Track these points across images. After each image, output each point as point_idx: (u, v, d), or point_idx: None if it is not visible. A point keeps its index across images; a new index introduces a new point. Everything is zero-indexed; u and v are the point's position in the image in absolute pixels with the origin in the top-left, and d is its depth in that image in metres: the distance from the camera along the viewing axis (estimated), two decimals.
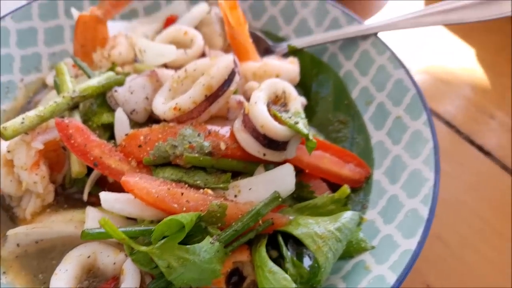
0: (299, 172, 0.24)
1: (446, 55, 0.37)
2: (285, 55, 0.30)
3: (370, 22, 0.28)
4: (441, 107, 0.33)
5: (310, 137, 0.21)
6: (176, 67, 0.26)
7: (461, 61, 0.37)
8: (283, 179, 0.21)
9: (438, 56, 0.37)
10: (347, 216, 0.22)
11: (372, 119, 0.26)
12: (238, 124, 0.22)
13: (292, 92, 0.23)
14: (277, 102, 0.23)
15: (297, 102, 0.23)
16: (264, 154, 0.21)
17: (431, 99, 0.33)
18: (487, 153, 0.30)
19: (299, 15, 0.31)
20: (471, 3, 0.26)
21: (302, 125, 0.21)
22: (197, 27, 0.30)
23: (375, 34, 0.28)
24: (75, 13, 0.28)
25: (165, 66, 0.27)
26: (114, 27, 0.31)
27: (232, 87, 0.23)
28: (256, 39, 0.31)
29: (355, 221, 0.22)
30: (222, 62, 0.23)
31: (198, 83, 0.23)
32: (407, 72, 0.26)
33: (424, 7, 0.28)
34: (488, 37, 0.38)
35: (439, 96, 0.34)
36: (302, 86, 0.29)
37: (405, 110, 0.25)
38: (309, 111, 0.29)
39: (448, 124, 0.32)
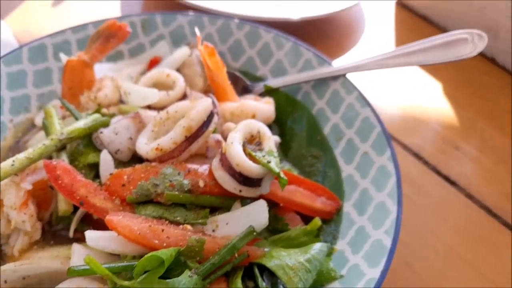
0: (274, 205, 0.25)
1: (415, 91, 0.39)
2: (262, 94, 0.32)
3: (340, 64, 0.30)
4: (410, 140, 0.35)
5: (281, 175, 0.22)
6: (159, 107, 0.28)
7: (428, 96, 0.39)
8: (257, 214, 0.22)
9: (407, 92, 0.39)
10: (317, 247, 0.23)
11: (342, 154, 0.28)
12: (216, 162, 0.24)
13: (266, 132, 0.25)
14: (252, 141, 0.25)
15: (271, 141, 0.25)
16: (240, 191, 0.23)
17: (400, 132, 0.35)
18: (452, 183, 0.32)
19: (275, 57, 0.33)
20: (431, 46, 0.29)
21: (274, 164, 0.23)
22: (179, 69, 0.32)
23: (344, 75, 0.30)
24: (63, 57, 0.30)
25: (149, 107, 0.29)
26: (101, 69, 0.32)
27: (211, 127, 0.25)
28: (235, 79, 0.33)
29: (324, 252, 0.23)
30: (201, 105, 0.25)
31: (179, 125, 0.24)
32: (373, 110, 0.28)
33: (389, 50, 0.30)
34: (453, 72, 0.41)
35: (408, 130, 0.36)
36: (278, 123, 0.31)
37: (371, 146, 0.27)
38: (285, 147, 0.30)
39: (417, 155, 0.34)
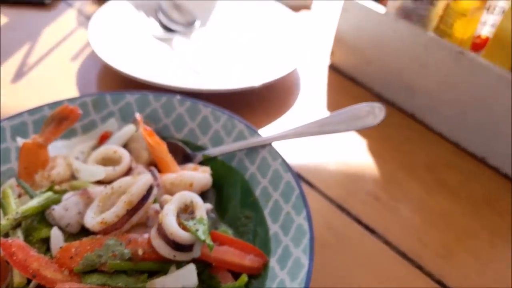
0: (209, 265, 0.29)
1: (343, 148, 0.44)
2: (202, 162, 0.36)
3: (267, 134, 0.35)
4: (335, 192, 0.39)
5: (207, 241, 0.26)
6: (108, 181, 0.32)
7: (355, 152, 0.44)
8: (188, 276, 0.26)
9: (336, 150, 0.44)
10: None
11: (270, 214, 0.32)
12: (153, 231, 0.27)
13: (198, 201, 0.29)
14: (186, 210, 0.29)
15: (202, 209, 0.28)
16: (175, 256, 0.27)
17: (327, 186, 0.40)
18: (372, 231, 0.37)
19: (213, 128, 0.37)
20: (342, 117, 0.34)
21: (201, 232, 0.26)
22: (127, 143, 0.36)
23: (270, 144, 0.34)
24: (19, 141, 0.33)
25: (98, 181, 0.32)
26: (55, 146, 0.36)
27: (150, 200, 0.29)
28: (177, 148, 0.37)
29: None
30: (141, 181, 0.29)
31: (121, 200, 0.28)
32: (293, 175, 0.32)
33: (306, 122, 0.35)
34: (377, 128, 0.46)
35: (334, 183, 0.40)
36: (216, 188, 0.35)
37: (292, 207, 0.31)
38: (222, 210, 0.34)
39: (340, 207, 0.38)
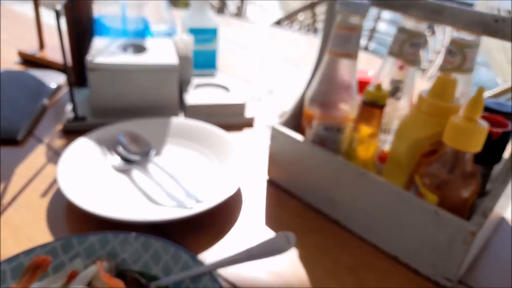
0: None
1: (278, 258, 0.51)
2: None
3: (206, 263, 0.43)
4: None
5: None
6: None
7: (288, 261, 0.51)
8: None
9: (268, 259, 0.51)
10: None
11: None
12: None
13: None
14: None
15: None
16: None
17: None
18: None
19: (163, 259, 0.45)
20: (264, 244, 0.43)
21: None
22: (91, 281, 0.43)
23: (211, 271, 0.42)
24: None
25: None
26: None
27: None
28: (133, 279, 0.44)
29: None
30: None
31: None
32: None
33: (237, 252, 0.43)
34: (308, 237, 0.54)
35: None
36: None
37: None
38: None
39: None
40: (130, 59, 0.71)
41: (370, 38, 1.68)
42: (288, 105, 0.88)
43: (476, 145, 0.45)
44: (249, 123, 0.79)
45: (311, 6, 1.68)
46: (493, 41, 2.74)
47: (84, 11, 0.81)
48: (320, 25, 1.72)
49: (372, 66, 0.59)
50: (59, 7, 0.65)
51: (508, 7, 2.46)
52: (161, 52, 0.76)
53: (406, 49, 0.55)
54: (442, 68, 0.54)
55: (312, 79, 0.60)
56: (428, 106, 0.50)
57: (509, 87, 1.19)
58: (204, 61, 0.97)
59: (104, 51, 0.73)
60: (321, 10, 1.70)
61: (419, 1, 0.51)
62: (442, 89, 0.49)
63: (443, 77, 0.49)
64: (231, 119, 0.78)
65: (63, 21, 0.72)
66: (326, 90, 0.57)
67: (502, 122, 0.52)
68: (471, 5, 0.68)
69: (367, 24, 1.80)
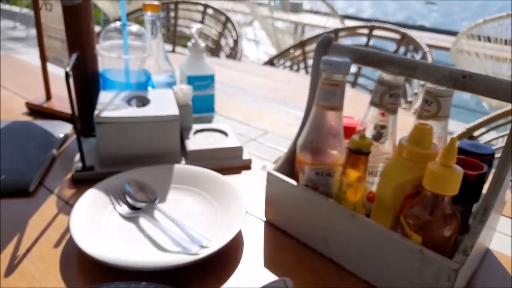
0: None
1: None
2: None
3: None
4: None
5: None
6: None
7: None
8: None
9: None
10: None
11: None
12: None
13: None
14: None
15: None
16: None
17: None
18: None
19: None
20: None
21: None
22: None
23: None
24: None
25: None
26: None
27: None
28: None
29: None
30: None
31: None
32: None
33: None
34: (306, 275, 0.58)
35: None
36: None
37: None
38: None
39: None
40: (134, 112, 0.77)
41: (358, 74, 1.75)
42: (282, 144, 0.94)
43: (453, 189, 0.50)
44: (246, 165, 0.84)
45: (301, 45, 1.76)
46: (476, 66, 2.81)
47: (90, 66, 0.87)
48: (310, 61, 1.79)
49: (362, 102, 0.64)
50: (68, 68, 0.70)
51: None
52: (163, 103, 0.81)
53: (386, 99, 0.61)
54: (420, 116, 0.60)
55: (302, 128, 0.65)
56: (408, 152, 0.55)
57: (500, 113, 1.24)
58: (202, 106, 1.03)
59: (110, 105, 0.79)
60: (310, 48, 1.78)
61: (395, 59, 0.57)
62: (420, 136, 0.55)
63: (420, 126, 0.55)
64: (230, 162, 0.83)
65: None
66: (315, 138, 0.62)
67: (477, 164, 0.57)
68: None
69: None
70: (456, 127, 2.76)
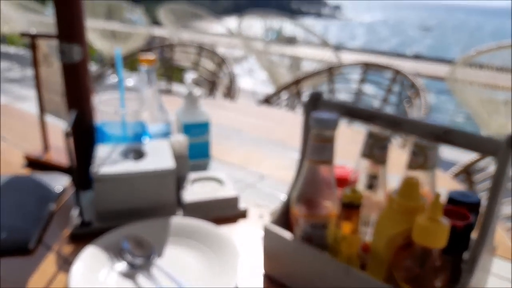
0: None
1: None
2: None
3: None
4: None
5: None
6: None
7: None
8: None
9: None
10: None
11: None
12: None
13: None
14: None
15: None
16: None
17: None
18: None
19: None
20: None
21: None
22: None
23: None
24: None
25: None
26: None
27: None
28: None
29: None
30: None
31: None
32: None
33: None
34: None
35: None
36: None
37: None
38: None
39: None
40: (131, 166, 0.79)
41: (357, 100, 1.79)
42: (279, 189, 0.95)
43: (441, 241, 0.51)
44: (242, 214, 0.85)
45: (296, 83, 1.80)
46: (472, 94, 2.86)
47: (88, 120, 0.89)
48: (304, 98, 1.83)
49: (358, 140, 0.65)
50: (68, 128, 0.73)
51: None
52: (159, 155, 0.83)
53: (375, 151, 0.63)
54: (408, 167, 0.61)
55: (296, 182, 0.67)
56: (398, 205, 0.56)
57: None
58: (198, 152, 1.05)
59: (106, 160, 0.80)
60: (304, 85, 1.82)
61: (381, 115, 0.59)
62: (408, 189, 0.56)
63: (408, 180, 0.56)
64: (226, 212, 0.84)
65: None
66: (308, 191, 0.64)
67: (465, 214, 0.59)
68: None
69: (352, 87, 1.91)
70: (467, 156, 2.78)
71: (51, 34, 0.97)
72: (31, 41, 1.02)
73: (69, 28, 0.82)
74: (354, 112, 0.63)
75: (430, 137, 0.55)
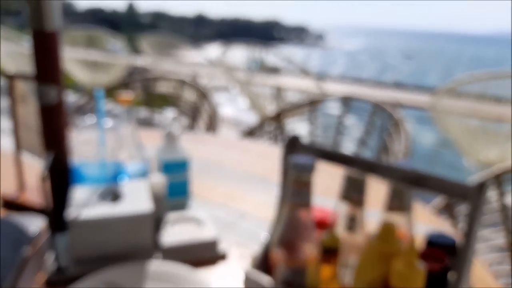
0: None
1: None
2: None
3: None
4: None
5: None
6: None
7: None
8: None
9: None
10: None
11: None
12: None
13: None
14: None
15: None
16: None
17: None
18: None
19: None
20: None
21: None
22: None
23: None
24: None
25: None
26: None
27: None
28: None
29: None
30: None
31: None
32: None
33: None
34: None
35: None
36: None
37: None
38: None
39: None
40: (107, 210, 0.77)
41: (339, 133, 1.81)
42: (261, 226, 0.94)
43: (418, 285, 0.51)
44: (222, 257, 0.84)
45: (277, 117, 1.82)
46: (453, 123, 2.92)
47: (64, 162, 0.88)
48: (287, 132, 1.84)
49: (339, 175, 0.65)
50: (46, 173, 0.71)
51: None
52: (137, 197, 0.82)
53: (352, 194, 0.63)
54: (387, 208, 0.62)
55: (275, 224, 0.67)
56: (376, 250, 0.56)
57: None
58: (177, 191, 1.04)
59: (83, 203, 0.79)
60: (286, 116, 1.84)
61: (357, 159, 0.60)
62: (386, 234, 0.57)
63: (385, 225, 0.57)
64: (205, 254, 0.83)
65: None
66: (288, 234, 0.63)
67: (441, 257, 0.59)
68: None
69: (334, 121, 1.93)
70: None
71: (29, 75, 0.96)
72: (9, 81, 1.02)
73: (46, 70, 0.82)
74: (331, 156, 0.63)
75: (404, 182, 0.55)
